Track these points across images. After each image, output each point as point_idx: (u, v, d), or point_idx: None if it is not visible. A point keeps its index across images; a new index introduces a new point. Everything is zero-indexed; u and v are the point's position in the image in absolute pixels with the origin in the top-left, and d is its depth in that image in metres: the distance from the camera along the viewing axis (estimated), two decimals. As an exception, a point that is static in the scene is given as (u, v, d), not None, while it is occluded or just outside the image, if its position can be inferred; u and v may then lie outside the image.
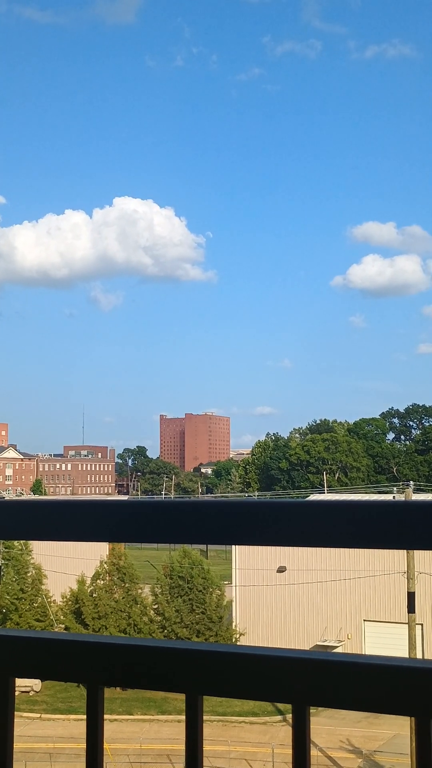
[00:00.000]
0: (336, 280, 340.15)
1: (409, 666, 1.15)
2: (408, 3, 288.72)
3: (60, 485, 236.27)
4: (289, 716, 1.45)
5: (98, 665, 1.30)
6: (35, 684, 42.57)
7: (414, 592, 37.75)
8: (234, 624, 48.53)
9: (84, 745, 1.32)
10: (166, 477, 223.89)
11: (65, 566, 48.72)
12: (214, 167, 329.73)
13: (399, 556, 42.62)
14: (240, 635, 47.15)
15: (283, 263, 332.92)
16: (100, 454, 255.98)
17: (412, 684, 1.14)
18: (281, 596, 49.11)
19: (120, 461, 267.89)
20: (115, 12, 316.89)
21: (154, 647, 1.29)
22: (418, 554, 39.80)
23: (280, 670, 1.21)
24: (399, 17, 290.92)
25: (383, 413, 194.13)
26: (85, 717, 1.33)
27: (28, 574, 49.26)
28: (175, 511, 1.30)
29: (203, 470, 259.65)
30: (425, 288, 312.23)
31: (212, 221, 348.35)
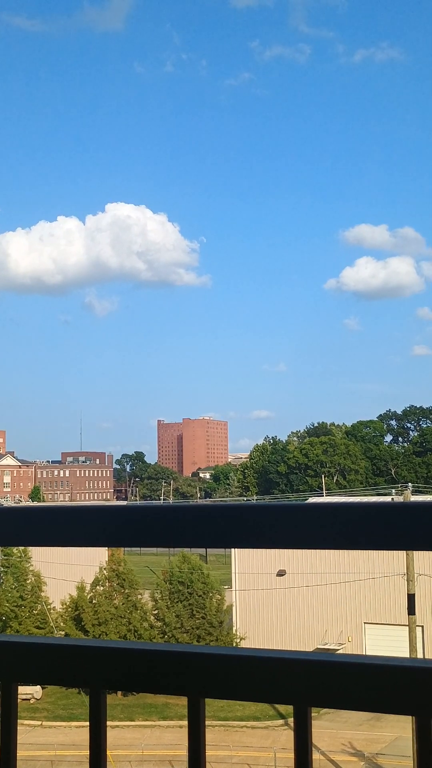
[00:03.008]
0: (330, 283, 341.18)
1: (409, 665, 1.15)
2: (395, 7, 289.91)
3: (58, 491, 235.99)
4: (291, 720, 1.45)
5: (101, 669, 1.31)
6: (36, 691, 42.46)
7: (414, 594, 37.75)
8: (234, 628, 48.47)
9: (85, 752, 1.33)
10: (165, 482, 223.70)
11: (64, 573, 48.59)
12: (206, 172, 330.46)
13: (398, 558, 42.61)
14: (240, 639, 47.09)
15: (277, 267, 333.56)
16: (98, 460, 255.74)
17: (412, 683, 1.14)
18: (281, 600, 49.07)
19: (118, 467, 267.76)
20: (103, 19, 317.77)
21: (156, 651, 1.30)
22: (418, 556, 39.79)
23: (281, 671, 1.22)
24: (387, 21, 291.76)
25: (381, 415, 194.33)
26: (86, 723, 1.33)
27: (28, 582, 49.14)
28: (174, 514, 1.31)
29: (201, 475, 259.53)
30: (419, 290, 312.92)
31: (205, 226, 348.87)
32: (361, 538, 1.19)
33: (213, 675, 1.26)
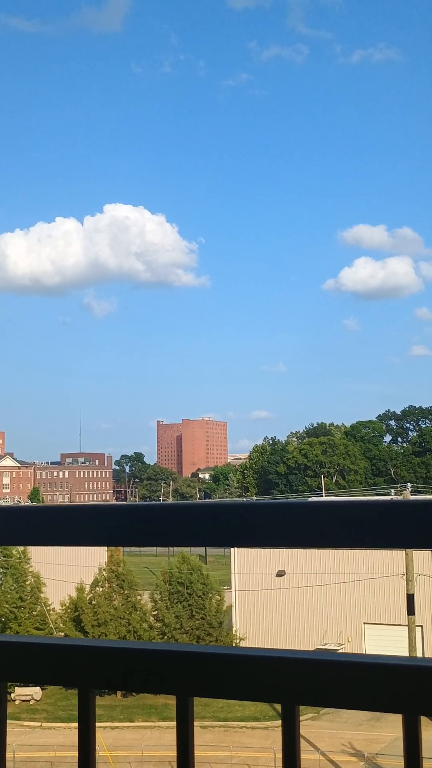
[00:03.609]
0: (328, 283, 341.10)
1: (398, 663, 1.16)
2: (392, 7, 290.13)
3: (58, 492, 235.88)
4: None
5: (87, 669, 1.31)
6: (36, 693, 42.42)
7: (413, 594, 37.79)
8: (234, 629, 48.44)
9: None
10: (164, 483, 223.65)
11: (64, 574, 48.58)
12: (204, 173, 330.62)
13: (398, 558, 42.62)
14: (240, 640, 47.06)
15: (276, 267, 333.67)
16: (97, 461, 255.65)
17: (401, 681, 1.15)
18: (281, 600, 49.05)
19: (117, 468, 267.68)
20: (101, 20, 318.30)
21: (143, 650, 1.30)
22: (417, 556, 39.81)
23: (269, 669, 1.22)
24: (384, 21, 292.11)
25: (380, 415, 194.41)
26: None
27: (27, 582, 49.10)
28: (172, 513, 1.30)
29: (201, 475, 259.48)
30: (417, 290, 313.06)
31: (204, 227, 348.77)
32: (360, 537, 1.19)
33: (201, 674, 1.26)
